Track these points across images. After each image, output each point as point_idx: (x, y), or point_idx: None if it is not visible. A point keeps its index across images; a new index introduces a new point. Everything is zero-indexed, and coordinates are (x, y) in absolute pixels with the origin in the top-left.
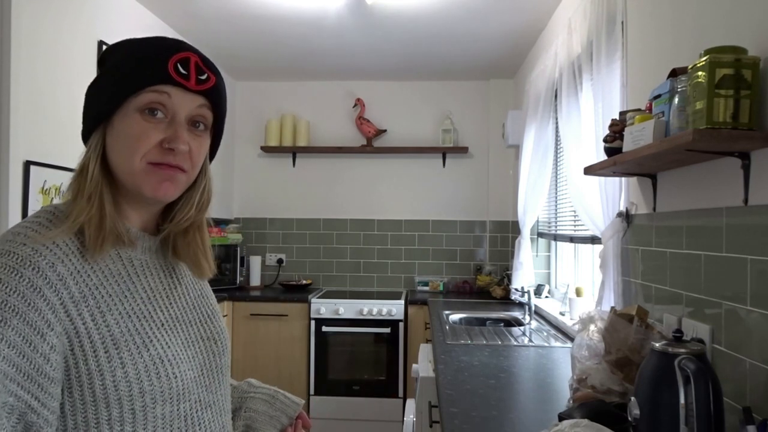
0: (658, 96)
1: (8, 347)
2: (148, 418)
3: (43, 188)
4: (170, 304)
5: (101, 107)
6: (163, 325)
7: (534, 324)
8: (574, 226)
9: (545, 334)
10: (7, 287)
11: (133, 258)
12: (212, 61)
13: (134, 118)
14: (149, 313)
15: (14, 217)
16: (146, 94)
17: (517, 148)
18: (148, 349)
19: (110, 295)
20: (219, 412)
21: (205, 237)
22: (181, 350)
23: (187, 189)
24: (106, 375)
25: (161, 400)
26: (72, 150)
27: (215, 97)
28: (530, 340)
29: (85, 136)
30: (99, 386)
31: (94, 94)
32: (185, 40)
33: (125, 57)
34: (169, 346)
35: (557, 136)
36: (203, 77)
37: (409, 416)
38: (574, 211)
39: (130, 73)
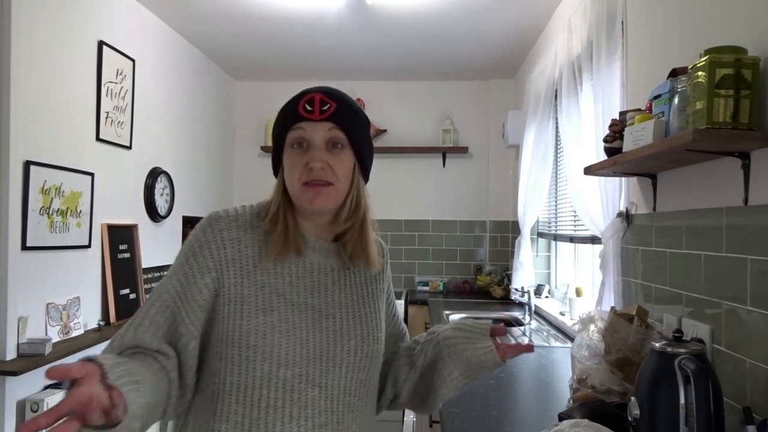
0: (658, 96)
1: (183, 276)
2: (249, 367)
3: (43, 188)
4: (314, 294)
5: (275, 151)
6: (294, 305)
7: (534, 324)
8: (574, 226)
9: (545, 334)
10: (197, 237)
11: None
12: (339, 92)
13: (289, 153)
14: (285, 292)
15: (14, 217)
16: (291, 133)
17: (517, 148)
18: (265, 315)
19: (255, 266)
20: (330, 397)
21: (364, 236)
22: (300, 329)
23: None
24: (229, 322)
25: (261, 358)
26: (71, 150)
27: (338, 119)
28: (530, 340)
29: (275, 175)
30: (225, 328)
31: (272, 143)
32: (185, 40)
33: (280, 112)
34: (287, 321)
35: (557, 136)
36: (325, 107)
37: (409, 416)
38: (574, 211)
39: (281, 122)
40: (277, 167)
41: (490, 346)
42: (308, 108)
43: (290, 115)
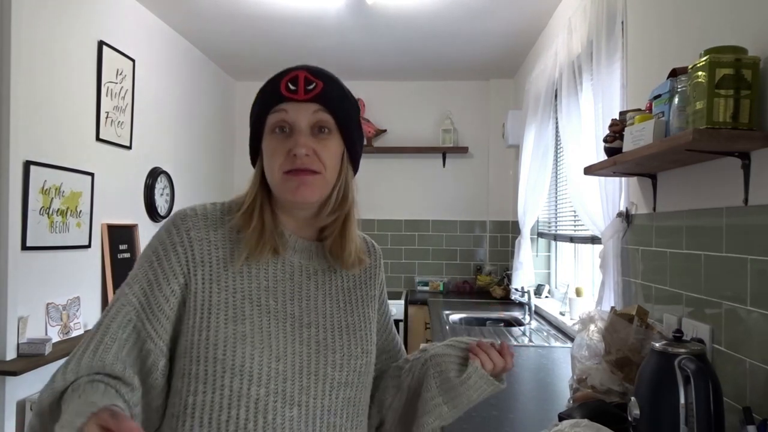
0: (658, 96)
1: (147, 283)
2: (216, 384)
3: (43, 188)
4: (293, 300)
5: (253, 137)
6: (269, 312)
7: (534, 324)
8: (574, 226)
9: (545, 334)
10: (160, 239)
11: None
12: (326, 71)
13: (269, 138)
14: (258, 298)
15: (14, 217)
16: (272, 116)
17: (517, 148)
18: (236, 324)
19: (225, 268)
20: (312, 418)
21: (345, 233)
22: (276, 340)
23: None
24: (196, 333)
25: (230, 373)
26: (71, 150)
27: (325, 100)
28: (530, 340)
29: (253, 164)
30: (189, 341)
31: (250, 127)
32: (185, 40)
33: (259, 92)
34: (260, 331)
35: (557, 136)
36: (311, 87)
37: None
38: (574, 211)
39: (261, 104)
40: (256, 155)
41: (475, 363)
42: (291, 87)
43: (271, 96)
